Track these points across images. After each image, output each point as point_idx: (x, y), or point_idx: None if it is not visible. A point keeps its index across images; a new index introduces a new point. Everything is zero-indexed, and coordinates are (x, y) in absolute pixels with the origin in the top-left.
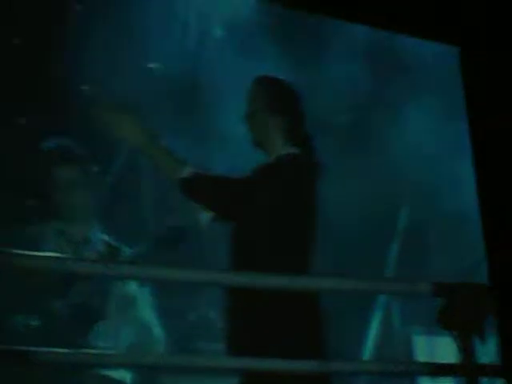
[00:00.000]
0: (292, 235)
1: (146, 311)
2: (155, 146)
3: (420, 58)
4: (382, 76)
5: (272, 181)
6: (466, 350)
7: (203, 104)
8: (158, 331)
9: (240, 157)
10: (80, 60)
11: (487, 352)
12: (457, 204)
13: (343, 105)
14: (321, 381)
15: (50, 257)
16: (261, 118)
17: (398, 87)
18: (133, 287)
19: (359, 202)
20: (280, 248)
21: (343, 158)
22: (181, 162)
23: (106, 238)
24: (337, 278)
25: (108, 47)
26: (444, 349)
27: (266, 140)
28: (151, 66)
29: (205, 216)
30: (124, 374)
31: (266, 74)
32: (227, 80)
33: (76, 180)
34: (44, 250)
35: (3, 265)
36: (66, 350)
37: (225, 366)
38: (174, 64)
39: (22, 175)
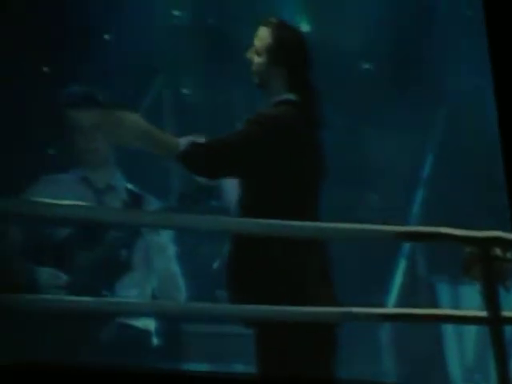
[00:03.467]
0: (295, 183)
1: (170, 260)
2: (152, 132)
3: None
4: (405, 21)
5: (267, 131)
6: (491, 299)
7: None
8: (181, 280)
9: None
10: (103, 8)
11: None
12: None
13: (365, 52)
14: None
15: (74, 205)
16: (262, 64)
17: (422, 31)
18: (156, 236)
19: (383, 151)
20: (284, 199)
21: (367, 106)
22: (176, 139)
23: (130, 186)
24: (359, 225)
25: None
26: (468, 298)
27: (266, 85)
28: (176, 13)
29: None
30: (148, 323)
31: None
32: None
33: (97, 124)
34: (67, 199)
35: (28, 214)
36: (90, 299)
37: (245, 315)
38: (198, 11)
39: (44, 123)
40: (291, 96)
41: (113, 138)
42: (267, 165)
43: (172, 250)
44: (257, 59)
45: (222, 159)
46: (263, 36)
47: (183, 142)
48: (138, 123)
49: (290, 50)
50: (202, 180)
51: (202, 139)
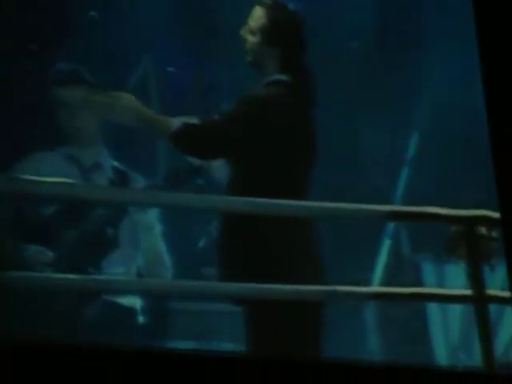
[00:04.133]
0: (286, 163)
1: (156, 238)
2: (145, 113)
3: None
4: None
5: (257, 112)
6: (475, 278)
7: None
8: (167, 258)
9: None
10: None
11: (496, 280)
12: (468, 131)
13: (355, 31)
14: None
15: (61, 183)
16: (256, 43)
17: (410, 13)
18: (143, 215)
19: (369, 131)
20: (275, 179)
21: (355, 85)
22: (168, 119)
23: (116, 164)
24: (345, 205)
25: None
26: (453, 277)
27: (259, 65)
28: None
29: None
30: (133, 301)
31: None
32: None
33: (84, 102)
34: (54, 176)
35: (14, 191)
36: (76, 277)
37: (231, 293)
38: None
39: (30, 100)
40: (283, 76)
41: (104, 115)
42: (257, 144)
43: (158, 228)
44: (250, 38)
45: (214, 140)
46: (258, 15)
47: (175, 122)
48: (131, 103)
49: (284, 32)
50: (192, 160)
51: (193, 120)
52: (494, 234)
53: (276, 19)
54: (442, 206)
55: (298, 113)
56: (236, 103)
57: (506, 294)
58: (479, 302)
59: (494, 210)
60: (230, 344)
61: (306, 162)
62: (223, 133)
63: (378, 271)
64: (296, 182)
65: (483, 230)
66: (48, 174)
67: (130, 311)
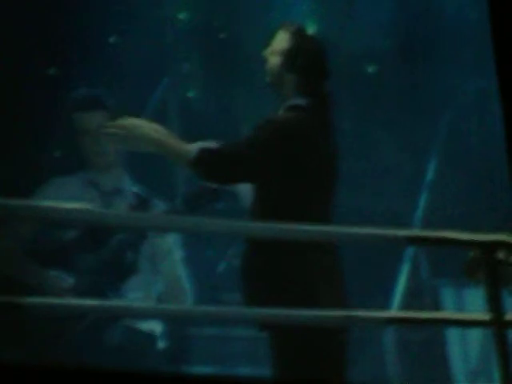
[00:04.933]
0: (306, 188)
1: (176, 263)
2: (165, 141)
3: (450, 8)
4: (412, 24)
5: (276, 137)
6: (494, 302)
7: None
8: (186, 283)
9: None
10: (109, 11)
11: None
12: (486, 155)
13: (371, 55)
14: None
15: (80, 208)
16: (276, 66)
17: (426, 36)
18: (163, 240)
19: (385, 153)
20: (295, 204)
21: (372, 108)
22: (187, 145)
23: (136, 189)
24: (365, 229)
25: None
26: (472, 301)
27: (277, 87)
28: (181, 16)
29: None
30: (153, 326)
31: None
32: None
33: (104, 128)
34: (74, 201)
35: (34, 218)
36: (96, 302)
37: (250, 317)
38: (204, 15)
39: (52, 126)
40: (301, 101)
41: (123, 145)
42: (277, 169)
43: (178, 253)
44: (272, 59)
45: (233, 165)
46: (281, 39)
47: (194, 148)
48: (151, 131)
49: (304, 59)
50: (211, 185)
51: (212, 145)
52: None
53: (298, 45)
54: (460, 230)
55: (316, 137)
56: (254, 128)
57: None
58: (498, 326)
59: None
60: (249, 369)
61: (327, 186)
62: (241, 158)
63: (398, 295)
64: (317, 206)
65: (502, 255)
66: (68, 198)
67: (149, 336)
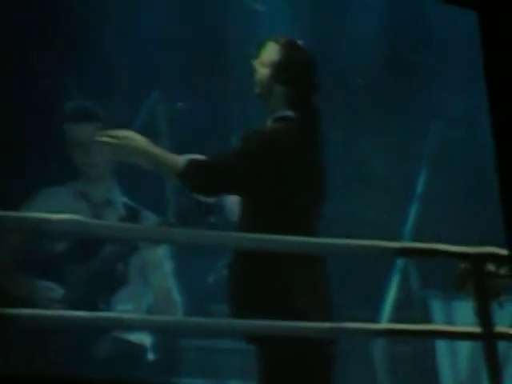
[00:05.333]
0: (293, 199)
1: (166, 275)
2: (154, 153)
3: (439, 21)
4: (400, 38)
5: (263, 148)
6: (484, 314)
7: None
8: (176, 295)
9: None
10: (97, 21)
11: (504, 317)
12: (475, 167)
13: (361, 67)
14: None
15: (70, 219)
16: (265, 77)
17: (416, 49)
18: (153, 251)
19: (375, 164)
20: (283, 215)
21: (361, 119)
22: (175, 157)
23: (127, 200)
24: (354, 241)
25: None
26: (462, 314)
27: (266, 98)
28: (172, 27)
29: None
30: (143, 337)
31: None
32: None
33: (97, 139)
34: (64, 212)
35: (24, 229)
36: (85, 313)
37: (238, 329)
38: (194, 25)
39: (42, 137)
40: (289, 112)
41: (113, 156)
42: (264, 181)
43: (168, 265)
44: (261, 70)
45: (220, 177)
46: (271, 50)
47: (182, 159)
48: (141, 144)
49: (293, 71)
50: (200, 197)
51: (200, 157)
52: (503, 271)
53: (287, 58)
54: (450, 242)
55: (304, 148)
56: (241, 139)
57: None
58: (488, 338)
59: (502, 246)
60: (238, 381)
61: (315, 197)
62: (228, 169)
63: (387, 307)
64: (304, 218)
65: (491, 267)
66: (58, 209)
67: (139, 348)
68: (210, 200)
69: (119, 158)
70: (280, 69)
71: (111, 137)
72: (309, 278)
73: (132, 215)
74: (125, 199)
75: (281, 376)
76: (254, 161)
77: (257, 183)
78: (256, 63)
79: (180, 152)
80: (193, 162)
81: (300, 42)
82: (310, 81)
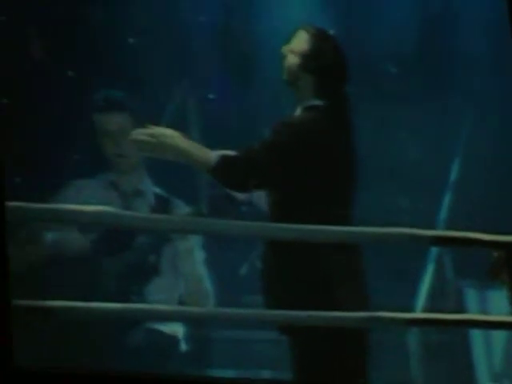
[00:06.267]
0: (326, 189)
1: (197, 265)
2: (186, 149)
3: (466, 8)
4: (431, 22)
5: (293, 139)
6: None
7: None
8: (208, 285)
9: None
10: (129, 12)
11: None
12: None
13: (393, 56)
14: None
15: (104, 211)
16: (295, 65)
17: (445, 36)
18: (184, 241)
19: (409, 152)
20: (316, 205)
21: (394, 107)
22: (207, 152)
23: (157, 190)
24: (388, 229)
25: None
26: (496, 303)
27: (294, 85)
28: (202, 18)
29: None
30: (176, 328)
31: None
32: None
33: (126, 129)
34: (95, 203)
35: (57, 221)
36: (118, 305)
37: (271, 320)
38: (225, 17)
39: (72, 128)
40: (317, 101)
41: (147, 153)
42: (295, 173)
43: (199, 255)
44: (290, 58)
45: (251, 173)
46: (302, 39)
47: (214, 155)
48: (173, 140)
49: (323, 62)
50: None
51: (231, 153)
52: None
53: (317, 47)
54: (484, 230)
55: (334, 137)
56: (271, 131)
57: None
58: None
59: None
60: (271, 372)
61: (347, 186)
62: (259, 165)
63: (422, 296)
64: (337, 207)
65: None
66: (89, 201)
67: (172, 339)
68: (235, 197)
69: (156, 155)
70: (309, 58)
71: (149, 133)
72: (345, 267)
73: (163, 205)
74: (156, 189)
75: (315, 366)
76: (283, 154)
77: (287, 176)
78: (286, 50)
79: (210, 143)
80: (224, 159)
81: (330, 32)
82: (340, 71)
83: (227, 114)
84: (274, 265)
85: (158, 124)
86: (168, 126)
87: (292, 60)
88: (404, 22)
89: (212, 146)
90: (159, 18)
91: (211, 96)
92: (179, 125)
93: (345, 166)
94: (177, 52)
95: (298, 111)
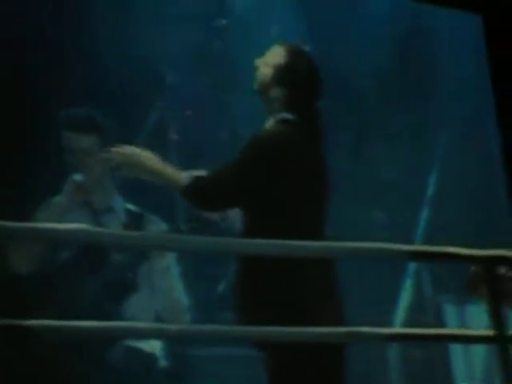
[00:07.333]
0: (299, 203)
1: (173, 281)
2: (157, 170)
3: (442, 25)
4: (404, 42)
5: (263, 155)
6: (497, 318)
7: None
8: (185, 300)
9: None
10: (104, 27)
11: None
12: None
13: (367, 68)
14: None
15: (79, 229)
16: (267, 76)
17: (421, 52)
18: (161, 259)
19: (389, 169)
20: (289, 220)
21: (370, 123)
22: (178, 173)
23: (130, 206)
24: (365, 244)
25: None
26: (475, 317)
27: (265, 97)
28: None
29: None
30: (154, 345)
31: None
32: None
33: (93, 150)
34: (67, 221)
35: (33, 239)
36: (96, 323)
37: (251, 336)
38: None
39: (42, 145)
40: (288, 115)
41: (118, 171)
42: (266, 189)
43: (174, 270)
44: (263, 69)
45: (223, 192)
46: (275, 53)
47: (184, 177)
48: (147, 158)
49: (296, 76)
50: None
51: (202, 172)
52: None
53: (291, 62)
54: (461, 245)
55: (305, 152)
56: (243, 146)
57: None
58: (501, 342)
59: None
60: None
61: (318, 201)
62: (229, 186)
63: (401, 311)
64: (309, 223)
65: (503, 270)
66: (64, 218)
67: (150, 356)
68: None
69: (126, 173)
70: (283, 71)
71: (119, 153)
72: (319, 283)
73: (135, 221)
74: (128, 205)
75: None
76: (253, 172)
77: (257, 193)
78: (259, 62)
79: (187, 162)
80: (193, 180)
81: (305, 48)
82: (312, 86)
83: (204, 131)
84: (244, 280)
85: (130, 143)
86: (144, 144)
87: (265, 71)
88: (380, 37)
89: (189, 163)
90: (135, 37)
91: (189, 112)
92: (155, 142)
93: (315, 179)
94: (151, 70)
95: (270, 124)
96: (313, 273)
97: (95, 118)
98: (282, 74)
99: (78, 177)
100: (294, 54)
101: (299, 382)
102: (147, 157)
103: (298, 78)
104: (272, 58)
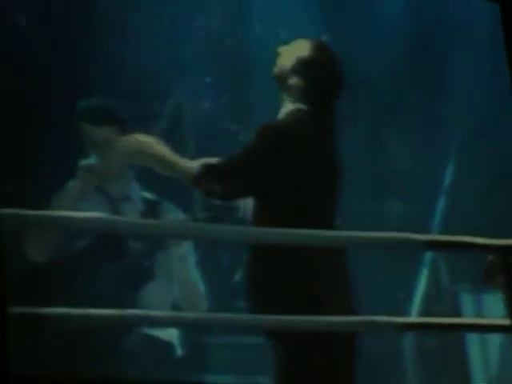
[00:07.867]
0: (311, 191)
1: (190, 269)
2: (172, 159)
3: (458, 16)
4: (422, 35)
5: (274, 143)
6: None
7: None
8: (202, 288)
9: None
10: (121, 19)
11: None
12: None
13: (385, 64)
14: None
15: (96, 218)
16: (287, 66)
17: (439, 44)
18: (178, 247)
19: (407, 158)
20: (301, 209)
21: (387, 114)
22: (189, 163)
23: (147, 195)
24: (381, 233)
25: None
26: (491, 306)
27: (281, 83)
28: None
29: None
30: (171, 334)
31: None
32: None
33: (112, 140)
34: (85, 210)
35: (50, 227)
36: (114, 311)
37: (265, 325)
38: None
39: (61, 134)
40: (302, 106)
41: (130, 161)
42: (277, 177)
43: (192, 259)
44: (286, 56)
45: (234, 180)
46: (300, 45)
47: (195, 166)
48: (159, 148)
49: (316, 69)
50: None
51: (213, 161)
52: None
53: (312, 55)
54: (479, 234)
55: (318, 140)
56: (255, 135)
57: None
58: None
59: None
60: (267, 377)
61: (332, 188)
62: (239, 173)
63: (417, 301)
64: (324, 210)
65: None
66: (79, 207)
67: (167, 344)
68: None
69: (138, 163)
70: (305, 65)
71: (131, 142)
72: (332, 272)
73: (152, 208)
74: (145, 194)
75: (302, 372)
76: (264, 160)
77: (269, 181)
78: (283, 49)
79: (204, 151)
80: (204, 169)
81: (326, 42)
82: (331, 79)
83: (220, 121)
84: (257, 270)
85: (148, 133)
86: (161, 135)
87: (287, 59)
88: (397, 33)
89: (205, 153)
90: (150, 26)
91: (206, 103)
92: (173, 133)
93: (328, 169)
94: (169, 59)
95: (283, 113)
96: (326, 262)
97: (112, 110)
98: (304, 67)
99: (87, 161)
100: (315, 47)
101: (310, 371)
102: (159, 147)
103: (317, 70)
104: (296, 49)
